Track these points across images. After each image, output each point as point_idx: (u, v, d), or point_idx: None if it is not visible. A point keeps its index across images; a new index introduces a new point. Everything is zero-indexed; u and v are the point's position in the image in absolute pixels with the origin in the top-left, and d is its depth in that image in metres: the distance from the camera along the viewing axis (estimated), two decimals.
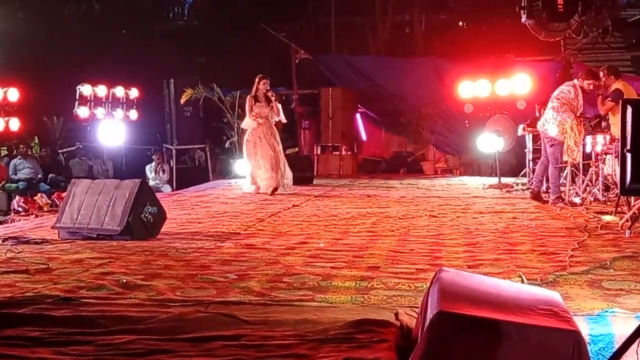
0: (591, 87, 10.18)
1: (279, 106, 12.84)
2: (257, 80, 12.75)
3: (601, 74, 10.36)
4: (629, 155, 3.23)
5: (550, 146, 10.31)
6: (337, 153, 18.74)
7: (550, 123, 10.19)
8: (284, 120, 13.39)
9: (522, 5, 12.63)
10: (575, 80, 10.40)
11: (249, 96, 12.76)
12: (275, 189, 12.31)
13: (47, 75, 17.12)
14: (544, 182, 10.92)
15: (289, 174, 12.90)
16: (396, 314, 4.19)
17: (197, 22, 22.99)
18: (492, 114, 15.19)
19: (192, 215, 9.71)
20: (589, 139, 10.38)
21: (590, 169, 10.48)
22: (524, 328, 3.11)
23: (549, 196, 10.46)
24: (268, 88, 12.69)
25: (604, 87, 10.27)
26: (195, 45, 20.54)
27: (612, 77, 10.20)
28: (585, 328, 3.86)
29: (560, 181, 10.71)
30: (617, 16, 12.22)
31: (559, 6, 11.80)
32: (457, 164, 18.51)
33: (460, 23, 21.14)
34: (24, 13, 20.03)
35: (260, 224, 8.64)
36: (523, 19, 11.06)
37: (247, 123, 12.81)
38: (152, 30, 22.01)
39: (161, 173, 17.24)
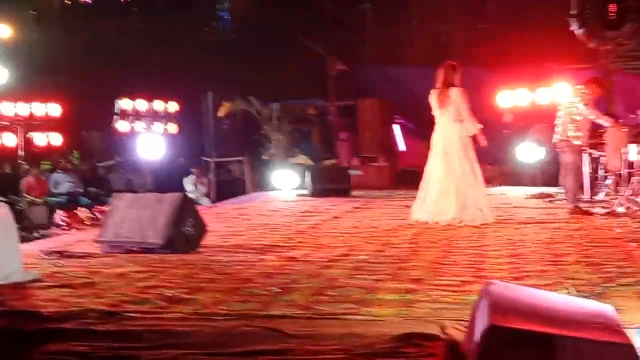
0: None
1: None
2: (455, 66, 9.79)
3: None
4: None
5: (569, 154, 10.30)
6: (375, 164, 18.67)
7: (571, 130, 10.21)
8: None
9: (573, 13, 12.53)
10: (581, 86, 10.40)
11: (459, 89, 9.60)
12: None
13: (88, 90, 17.30)
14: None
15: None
16: (443, 328, 4.14)
17: (235, 36, 23.11)
18: (531, 123, 15.06)
19: (232, 228, 9.72)
20: (632, 147, 10.24)
21: (633, 178, 10.33)
22: (577, 342, 3.06)
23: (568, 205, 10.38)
24: None
25: None
26: (233, 58, 20.62)
27: None
28: (637, 341, 3.78)
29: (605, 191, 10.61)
30: None
31: (611, 14, 11.71)
32: (497, 174, 18.34)
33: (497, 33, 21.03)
34: (65, 29, 20.27)
35: (300, 236, 8.62)
36: (573, 27, 10.94)
37: (472, 127, 9.56)
38: (190, 43, 22.15)
39: (200, 186, 17.31)
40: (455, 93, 9.54)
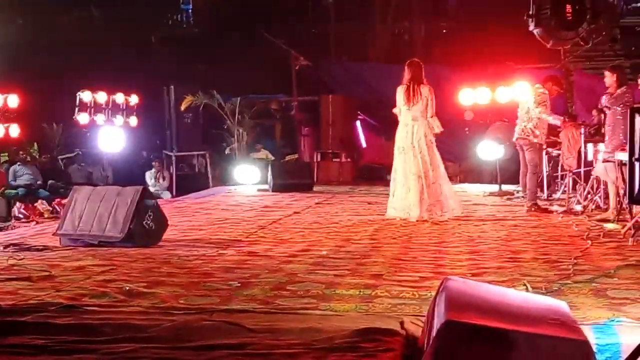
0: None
1: None
2: (421, 64, 9.77)
3: None
4: (637, 164, 3.21)
5: (529, 151, 10.43)
6: (337, 160, 18.71)
7: (530, 129, 10.35)
8: None
9: (530, 13, 12.64)
10: (539, 85, 10.53)
11: (430, 87, 9.61)
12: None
13: (47, 82, 17.08)
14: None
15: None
16: (401, 323, 4.17)
17: (197, 30, 22.98)
18: (492, 121, 15.17)
19: (193, 222, 9.68)
20: (590, 146, 10.37)
21: (591, 177, 10.46)
22: (533, 338, 3.09)
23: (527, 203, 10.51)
24: None
25: None
26: (195, 52, 20.53)
27: None
28: (592, 337, 3.85)
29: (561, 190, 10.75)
30: (617, 24, 12.33)
31: (568, 14, 11.84)
32: (458, 171, 18.46)
33: (459, 31, 21.17)
34: (24, 20, 19.99)
35: (261, 231, 8.62)
36: (531, 27, 11.07)
37: (437, 126, 9.73)
38: (152, 37, 21.98)
39: (161, 180, 17.20)
40: (426, 90, 9.57)
